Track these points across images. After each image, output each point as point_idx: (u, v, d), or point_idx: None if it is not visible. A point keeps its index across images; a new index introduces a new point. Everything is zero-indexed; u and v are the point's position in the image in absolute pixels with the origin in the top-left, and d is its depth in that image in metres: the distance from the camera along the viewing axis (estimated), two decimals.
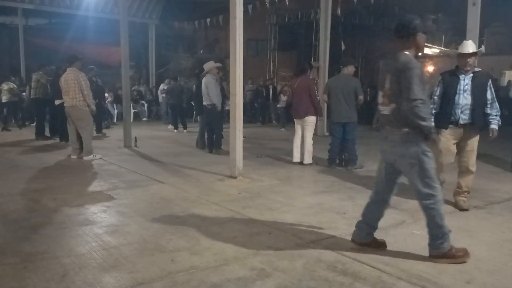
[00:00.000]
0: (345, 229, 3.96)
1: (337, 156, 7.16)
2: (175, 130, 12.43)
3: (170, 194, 5.31)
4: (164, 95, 14.70)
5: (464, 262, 3.24)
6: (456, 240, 3.34)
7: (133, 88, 15.67)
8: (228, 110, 6.97)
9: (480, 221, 4.37)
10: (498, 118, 4.65)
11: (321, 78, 11.63)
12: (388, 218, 3.63)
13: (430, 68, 17.64)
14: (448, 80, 4.65)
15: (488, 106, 4.62)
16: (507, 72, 17.25)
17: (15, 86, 12.31)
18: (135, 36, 16.25)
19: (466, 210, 4.66)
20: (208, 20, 17.80)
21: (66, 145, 8.92)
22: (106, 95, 13.71)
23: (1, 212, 4.46)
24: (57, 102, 8.69)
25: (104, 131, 11.62)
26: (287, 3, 14.76)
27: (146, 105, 16.84)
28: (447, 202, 4.38)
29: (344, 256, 3.36)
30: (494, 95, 4.66)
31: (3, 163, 7.32)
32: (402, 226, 4.12)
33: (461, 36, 7.73)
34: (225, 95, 9.13)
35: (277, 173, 6.67)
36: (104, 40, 16.60)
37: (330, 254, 3.41)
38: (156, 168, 6.95)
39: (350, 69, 7.08)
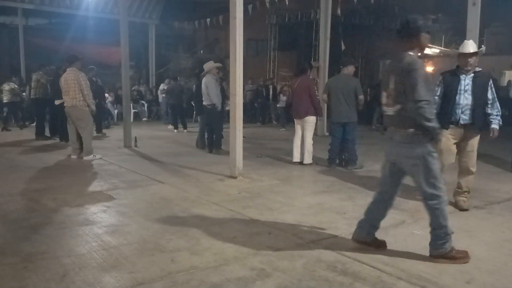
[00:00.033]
0: (345, 229, 3.96)
1: (337, 156, 7.16)
2: (175, 130, 12.43)
3: (170, 194, 5.31)
4: (164, 95, 14.70)
5: (465, 263, 3.24)
6: (456, 240, 3.34)
7: (133, 88, 15.67)
8: (228, 110, 6.97)
9: (480, 221, 4.37)
10: (499, 118, 4.65)
11: (321, 78, 11.63)
12: (388, 218, 3.63)
13: (429, 68, 17.63)
14: (449, 80, 4.65)
15: (489, 106, 4.62)
16: (507, 72, 17.24)
17: (16, 86, 12.32)
18: (135, 36, 16.24)
19: (466, 210, 4.66)
20: (208, 20, 17.79)
21: (66, 145, 8.92)
22: (107, 95, 13.73)
23: (1, 212, 4.46)
24: (57, 102, 8.69)
25: (104, 131, 11.62)
26: (287, 3, 14.75)
27: (146, 105, 16.84)
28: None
29: (344, 256, 3.36)
30: (495, 95, 4.66)
31: (3, 163, 7.33)
32: (402, 226, 4.12)
33: (461, 36, 7.72)
34: (225, 95, 9.14)
35: (277, 173, 6.67)
36: (104, 40, 16.59)
37: (330, 254, 3.41)
38: (156, 168, 6.95)
39: (350, 69, 7.08)
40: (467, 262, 3.25)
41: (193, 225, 4.08)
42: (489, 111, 4.63)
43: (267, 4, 15.85)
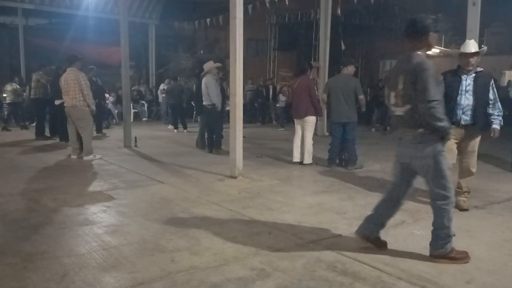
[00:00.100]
0: (345, 229, 3.97)
1: (337, 156, 7.16)
2: (175, 130, 12.43)
3: (170, 194, 5.31)
4: (164, 95, 14.70)
5: (465, 263, 3.24)
6: (456, 240, 3.33)
7: (133, 88, 15.67)
8: (228, 110, 6.97)
9: (480, 221, 4.37)
10: (500, 118, 4.64)
11: (321, 78, 11.63)
12: None
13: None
14: (450, 80, 4.62)
15: (490, 106, 4.61)
16: (507, 72, 17.25)
17: (18, 87, 12.33)
18: (135, 36, 16.23)
19: (466, 210, 4.66)
20: (208, 20, 17.79)
21: (66, 145, 8.92)
22: (108, 95, 13.73)
23: (1, 212, 4.46)
24: (57, 102, 8.70)
25: (104, 131, 11.62)
26: (287, 3, 14.75)
27: (146, 105, 16.84)
28: None
29: (344, 256, 3.36)
30: (497, 95, 4.65)
31: (3, 163, 7.33)
32: (402, 226, 4.12)
33: (461, 36, 7.73)
34: (225, 95, 9.14)
35: (277, 173, 6.67)
36: (104, 40, 16.58)
37: (330, 254, 3.41)
38: (156, 168, 6.95)
39: (350, 69, 7.08)
40: (467, 263, 3.25)
41: (193, 225, 4.08)
42: (490, 111, 4.62)
43: (267, 4, 15.85)
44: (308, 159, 7.18)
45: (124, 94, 9.64)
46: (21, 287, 2.82)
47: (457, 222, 4.13)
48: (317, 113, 7.21)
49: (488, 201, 5.10)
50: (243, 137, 6.34)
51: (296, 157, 7.31)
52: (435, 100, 3.02)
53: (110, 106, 14.56)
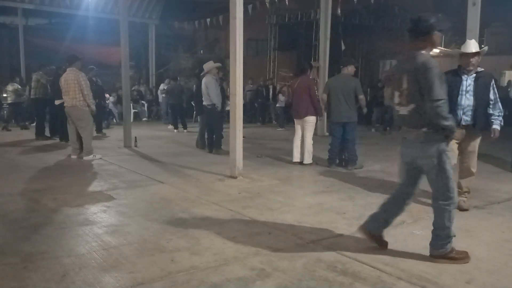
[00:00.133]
0: (345, 229, 3.97)
1: (337, 156, 7.16)
2: (175, 130, 12.43)
3: (170, 194, 5.31)
4: (164, 95, 14.70)
5: (465, 263, 3.24)
6: (456, 240, 3.33)
7: (133, 88, 15.67)
8: (228, 110, 6.97)
9: (480, 221, 4.37)
10: (500, 118, 4.63)
11: (321, 78, 11.63)
12: None
13: None
14: (450, 80, 4.61)
15: (491, 106, 4.60)
16: (507, 72, 17.25)
17: (19, 87, 12.32)
18: (135, 36, 16.23)
19: (466, 210, 4.66)
20: (208, 20, 17.78)
21: (66, 145, 8.92)
22: (108, 95, 13.72)
23: (1, 212, 4.46)
24: (57, 102, 8.69)
25: (104, 131, 11.62)
26: (287, 3, 14.75)
27: (146, 105, 16.84)
28: None
29: (344, 256, 3.36)
30: (498, 95, 4.65)
31: (3, 163, 7.32)
32: (402, 226, 4.11)
33: (461, 36, 7.72)
34: (225, 95, 9.13)
35: (277, 173, 6.66)
36: (104, 40, 16.57)
37: (330, 254, 3.41)
38: (156, 168, 6.95)
39: (350, 69, 7.08)
40: (467, 263, 3.25)
41: (193, 225, 4.08)
42: (490, 111, 4.61)
43: (267, 4, 15.84)
44: (308, 159, 7.18)
45: (124, 94, 9.64)
46: (21, 287, 2.82)
47: (457, 222, 4.12)
48: (317, 113, 7.21)
49: (488, 201, 5.10)
50: (243, 137, 6.34)
51: (296, 157, 7.31)
52: (440, 99, 3.02)
53: (111, 106, 14.57)
